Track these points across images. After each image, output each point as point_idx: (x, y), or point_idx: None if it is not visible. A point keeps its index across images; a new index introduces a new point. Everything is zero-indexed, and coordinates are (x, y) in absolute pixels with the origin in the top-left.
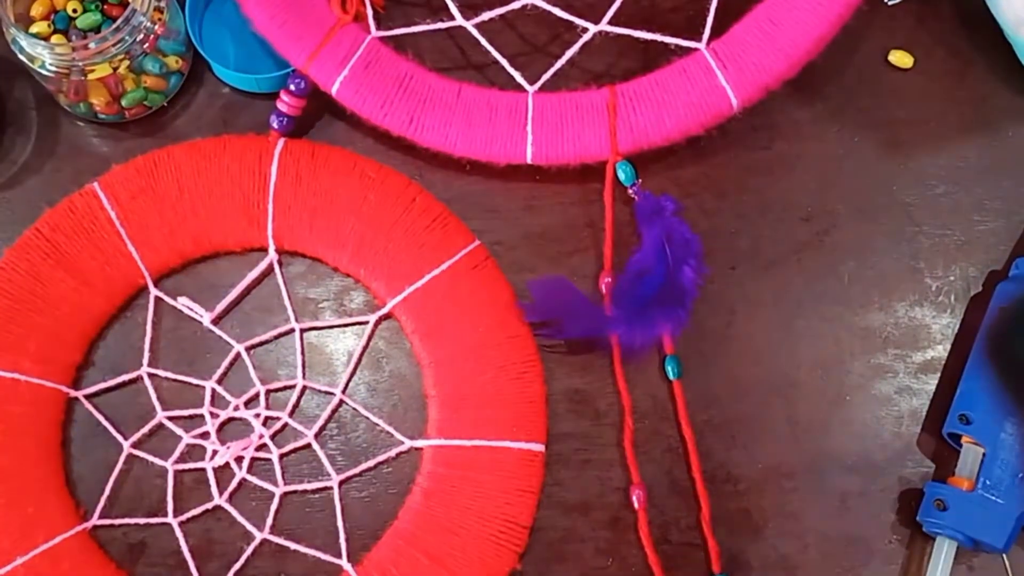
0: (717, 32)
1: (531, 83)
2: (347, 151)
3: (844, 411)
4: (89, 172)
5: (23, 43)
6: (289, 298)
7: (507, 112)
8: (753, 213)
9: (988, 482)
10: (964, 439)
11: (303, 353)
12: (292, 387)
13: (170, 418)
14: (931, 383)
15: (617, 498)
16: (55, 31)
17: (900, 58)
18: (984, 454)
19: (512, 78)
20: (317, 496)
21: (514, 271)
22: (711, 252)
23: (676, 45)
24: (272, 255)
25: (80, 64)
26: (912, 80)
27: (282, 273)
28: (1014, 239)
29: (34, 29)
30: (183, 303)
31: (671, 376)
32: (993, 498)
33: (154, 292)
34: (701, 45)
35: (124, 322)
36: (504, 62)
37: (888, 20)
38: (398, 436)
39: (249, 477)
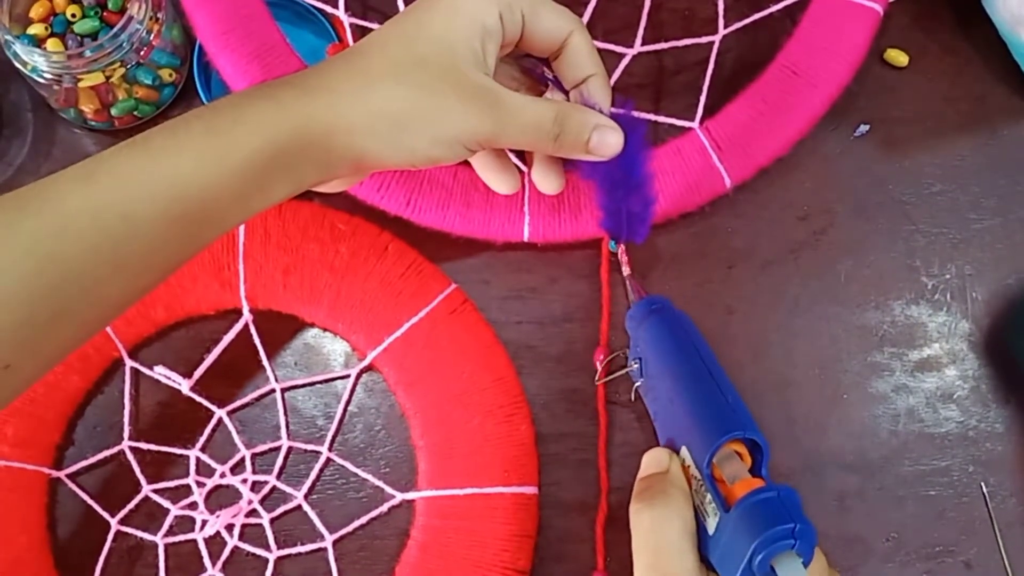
0: (711, 110)
1: (526, 164)
2: (315, 204)
3: (841, 410)
4: None
5: (17, 48)
6: (267, 358)
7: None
8: (750, 212)
9: (761, 463)
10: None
11: (286, 413)
12: (277, 449)
13: (156, 491)
14: (928, 381)
15: (615, 497)
16: (52, 34)
17: (896, 56)
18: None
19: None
20: (312, 558)
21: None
22: (708, 252)
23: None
24: (247, 316)
25: (74, 71)
26: (908, 79)
27: (258, 333)
28: (1010, 237)
29: (32, 31)
30: (160, 372)
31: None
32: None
33: (130, 363)
34: (694, 124)
35: (102, 397)
36: None
37: (884, 18)
38: (389, 490)
39: (241, 544)
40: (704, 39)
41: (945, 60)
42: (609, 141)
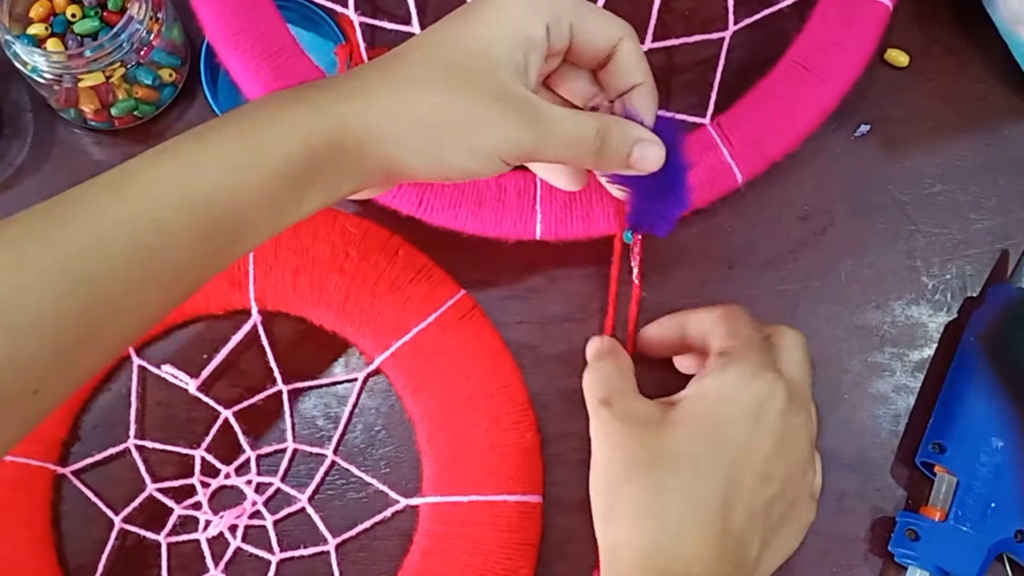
0: (722, 107)
1: None
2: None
3: (841, 410)
4: (85, 175)
5: (17, 48)
6: (275, 359)
7: (516, 191)
8: (750, 212)
9: (960, 512)
10: (937, 468)
11: (292, 415)
12: (282, 451)
13: (160, 490)
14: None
15: None
16: (52, 34)
17: (896, 56)
18: (957, 483)
19: None
20: (314, 561)
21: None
22: (708, 251)
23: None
24: (255, 317)
25: (74, 71)
26: (908, 78)
27: (266, 335)
28: (1010, 237)
29: (32, 31)
30: (167, 371)
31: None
32: (965, 529)
33: (137, 362)
34: (705, 121)
35: (108, 394)
36: None
37: None
38: (393, 495)
39: (244, 546)
40: (714, 35)
41: (945, 60)
42: (650, 156)
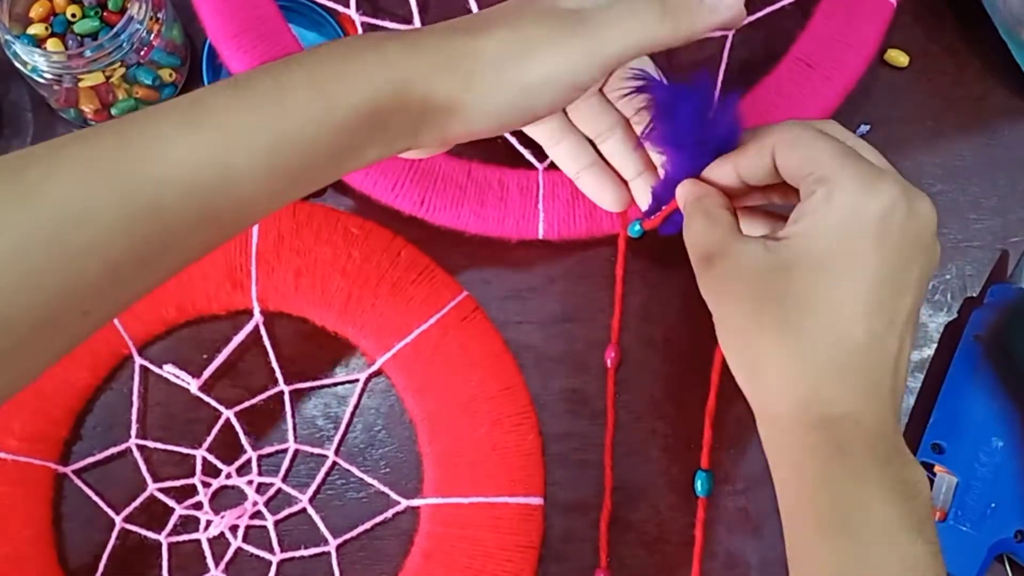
0: None
1: (540, 161)
2: (328, 207)
3: None
4: None
5: (17, 48)
6: (276, 360)
7: (518, 190)
8: None
9: (960, 512)
10: (937, 469)
11: (293, 415)
12: (284, 451)
13: (161, 489)
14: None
15: (616, 498)
16: (52, 34)
17: (896, 57)
18: (957, 484)
19: (521, 156)
20: (315, 562)
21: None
22: None
23: None
24: (257, 317)
25: (74, 71)
26: (908, 79)
27: (268, 335)
28: (1009, 237)
29: (32, 31)
30: (169, 371)
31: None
32: (965, 529)
33: (139, 361)
34: None
35: (110, 393)
36: (514, 141)
37: None
38: (394, 496)
39: (245, 546)
40: (717, 33)
41: (945, 60)
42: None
